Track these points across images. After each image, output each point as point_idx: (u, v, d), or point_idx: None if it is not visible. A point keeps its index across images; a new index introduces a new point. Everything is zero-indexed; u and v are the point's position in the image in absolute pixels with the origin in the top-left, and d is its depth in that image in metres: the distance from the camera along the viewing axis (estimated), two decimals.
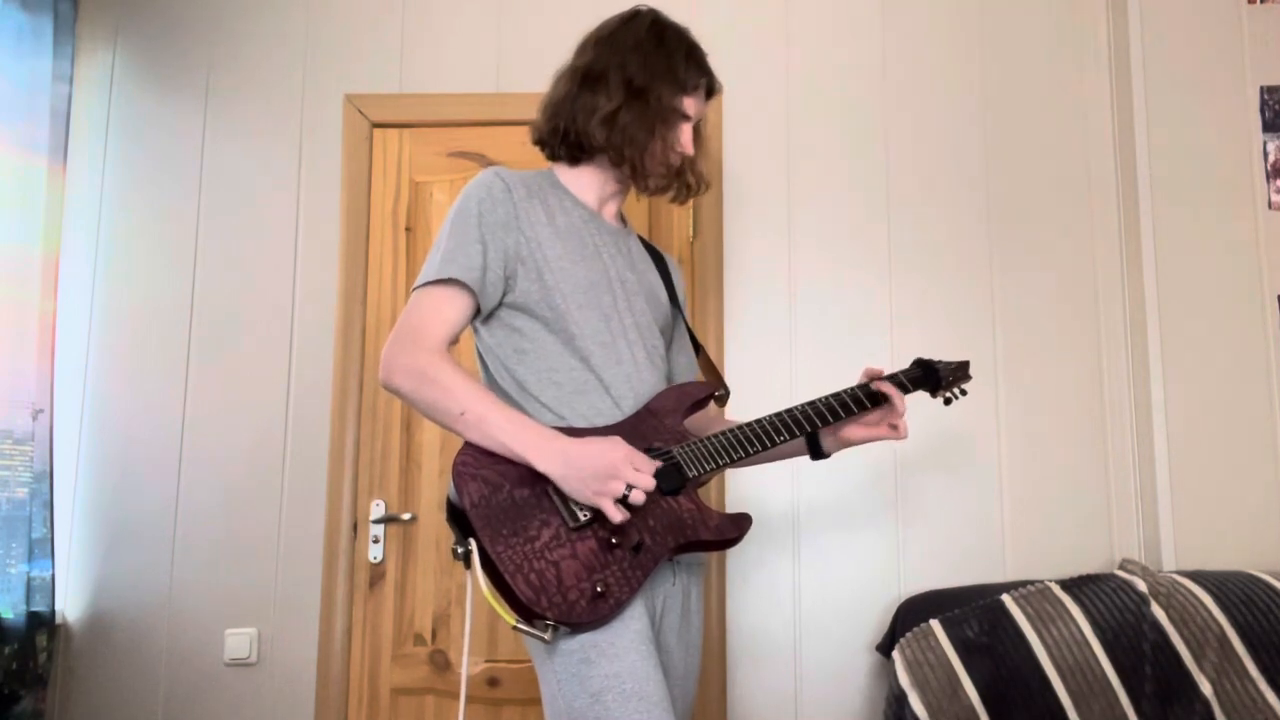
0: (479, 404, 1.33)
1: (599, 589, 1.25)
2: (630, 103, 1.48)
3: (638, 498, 1.26)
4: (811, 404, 1.50)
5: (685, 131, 1.54)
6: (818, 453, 1.56)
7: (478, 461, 1.32)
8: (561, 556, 1.26)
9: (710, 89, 1.59)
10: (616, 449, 1.29)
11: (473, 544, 1.27)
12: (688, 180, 1.60)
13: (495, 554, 1.25)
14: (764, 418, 1.47)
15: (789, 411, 1.48)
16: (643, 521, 1.32)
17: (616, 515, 1.26)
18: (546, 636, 1.23)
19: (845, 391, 1.52)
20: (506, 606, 1.26)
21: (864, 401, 1.52)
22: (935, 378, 1.64)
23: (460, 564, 2.41)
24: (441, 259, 1.40)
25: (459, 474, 1.31)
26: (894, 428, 1.52)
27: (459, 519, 1.30)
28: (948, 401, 1.67)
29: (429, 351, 1.36)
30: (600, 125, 1.48)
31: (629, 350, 1.47)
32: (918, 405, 2.32)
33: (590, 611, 1.24)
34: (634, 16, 1.57)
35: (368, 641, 2.39)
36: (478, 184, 1.46)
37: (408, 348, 1.36)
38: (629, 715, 1.23)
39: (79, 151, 2.54)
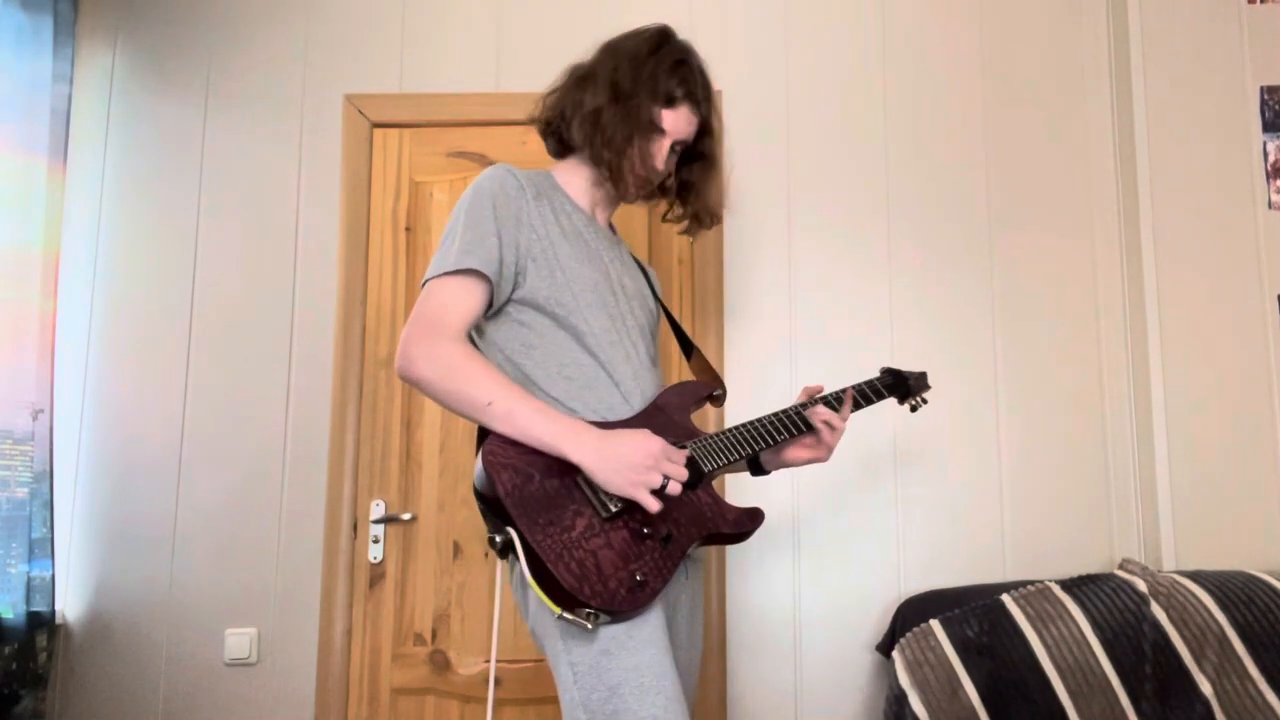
0: (507, 395, 1.32)
1: (639, 577, 1.26)
2: (611, 105, 1.49)
3: (675, 489, 1.27)
4: (809, 405, 1.56)
5: (662, 146, 1.52)
6: (758, 469, 1.60)
7: (505, 451, 1.31)
8: (598, 546, 1.27)
9: (703, 112, 1.56)
10: (651, 441, 1.29)
11: (512, 532, 1.26)
12: (698, 214, 1.63)
13: (535, 542, 1.24)
14: (767, 416, 1.52)
15: (793, 411, 1.54)
16: (668, 514, 1.33)
17: (654, 505, 1.26)
18: (589, 625, 1.23)
19: (832, 395, 1.60)
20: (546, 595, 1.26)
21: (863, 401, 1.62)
22: (905, 386, 1.71)
23: (465, 561, 2.41)
24: (459, 249, 1.39)
25: (490, 462, 1.29)
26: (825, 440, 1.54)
27: (494, 507, 1.29)
28: (914, 409, 1.75)
29: (451, 340, 1.35)
30: (581, 123, 1.50)
31: (634, 350, 1.49)
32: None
33: (630, 600, 1.24)
34: (647, 29, 1.57)
35: (368, 641, 2.39)
36: (490, 178, 1.45)
37: (428, 337, 1.35)
38: (646, 709, 1.22)
39: (79, 151, 2.53)
